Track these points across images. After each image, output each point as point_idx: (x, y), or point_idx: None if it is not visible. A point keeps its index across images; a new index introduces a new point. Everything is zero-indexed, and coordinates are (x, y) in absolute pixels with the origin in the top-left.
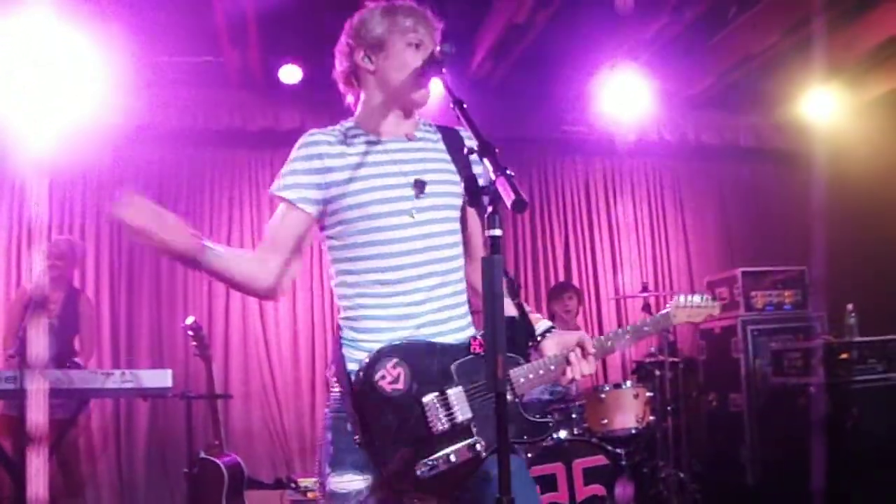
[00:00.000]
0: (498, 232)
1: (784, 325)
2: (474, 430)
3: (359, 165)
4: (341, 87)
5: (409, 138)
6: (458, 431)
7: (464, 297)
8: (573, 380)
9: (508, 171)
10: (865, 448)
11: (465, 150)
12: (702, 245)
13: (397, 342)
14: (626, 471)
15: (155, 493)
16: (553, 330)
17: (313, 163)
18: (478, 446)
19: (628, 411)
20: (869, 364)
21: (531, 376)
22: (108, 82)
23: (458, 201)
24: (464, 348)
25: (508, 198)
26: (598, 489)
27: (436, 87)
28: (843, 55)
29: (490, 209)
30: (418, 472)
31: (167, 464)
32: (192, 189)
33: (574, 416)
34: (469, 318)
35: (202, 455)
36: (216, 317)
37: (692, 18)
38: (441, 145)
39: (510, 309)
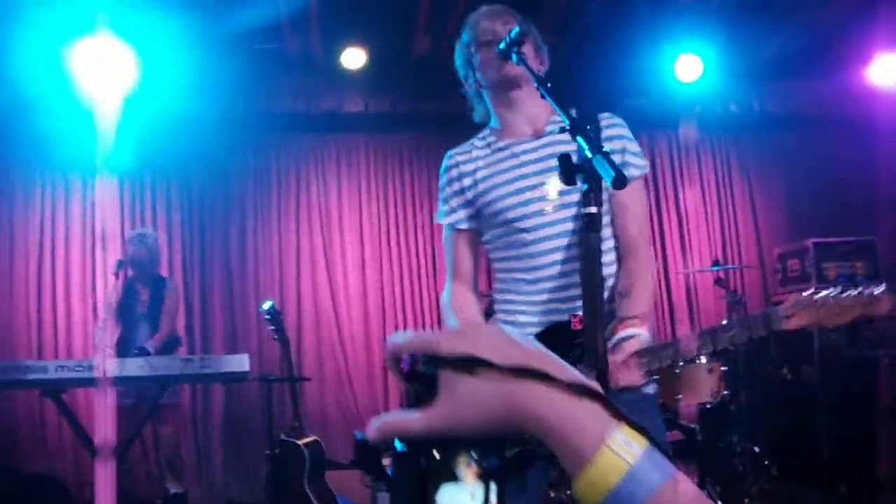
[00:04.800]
0: (594, 210)
1: None
2: None
3: (490, 175)
4: (486, 117)
5: (537, 135)
6: None
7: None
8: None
9: (605, 148)
10: None
11: (558, 129)
12: (770, 216)
13: None
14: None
15: (233, 476)
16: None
17: (454, 186)
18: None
19: (703, 386)
20: None
21: None
22: (172, 72)
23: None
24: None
25: (608, 175)
26: None
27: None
28: None
29: (585, 187)
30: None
31: (243, 447)
32: (259, 173)
33: None
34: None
35: (283, 437)
36: (288, 301)
37: None
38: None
39: None
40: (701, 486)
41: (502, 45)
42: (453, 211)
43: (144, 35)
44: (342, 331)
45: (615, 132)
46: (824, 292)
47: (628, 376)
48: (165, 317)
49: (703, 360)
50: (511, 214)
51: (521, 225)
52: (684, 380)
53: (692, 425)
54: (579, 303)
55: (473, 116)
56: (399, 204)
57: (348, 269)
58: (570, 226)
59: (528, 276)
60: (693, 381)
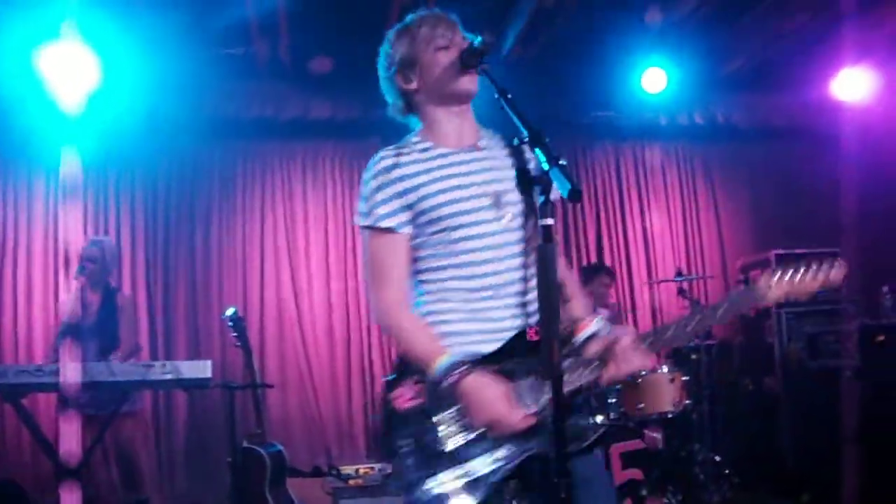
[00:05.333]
0: (550, 221)
1: (818, 308)
2: (493, 442)
3: (434, 181)
4: (400, 116)
5: (476, 148)
6: (476, 445)
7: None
8: (613, 380)
9: (561, 161)
10: None
11: (516, 142)
12: (734, 228)
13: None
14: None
15: (196, 484)
16: (600, 333)
17: (397, 186)
18: (493, 458)
19: (665, 395)
20: None
21: (565, 380)
22: (139, 76)
23: (521, 209)
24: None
25: (564, 187)
26: (635, 473)
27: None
28: (874, 33)
29: (542, 199)
30: (426, 489)
31: (206, 454)
32: (224, 179)
33: (610, 400)
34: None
35: (245, 444)
36: (252, 307)
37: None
38: (506, 152)
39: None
40: (663, 495)
41: (466, 56)
42: (396, 213)
43: (111, 40)
44: (306, 337)
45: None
46: (791, 270)
47: (641, 360)
48: (126, 330)
49: (665, 369)
50: (457, 221)
51: (468, 232)
52: (646, 389)
53: (654, 434)
54: (521, 309)
55: (391, 112)
56: None
57: (312, 275)
58: (509, 243)
59: (469, 284)
60: (655, 390)
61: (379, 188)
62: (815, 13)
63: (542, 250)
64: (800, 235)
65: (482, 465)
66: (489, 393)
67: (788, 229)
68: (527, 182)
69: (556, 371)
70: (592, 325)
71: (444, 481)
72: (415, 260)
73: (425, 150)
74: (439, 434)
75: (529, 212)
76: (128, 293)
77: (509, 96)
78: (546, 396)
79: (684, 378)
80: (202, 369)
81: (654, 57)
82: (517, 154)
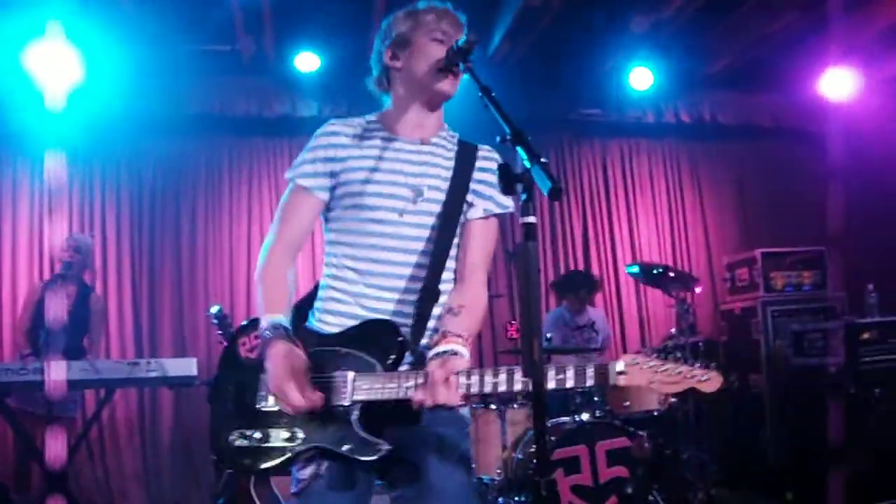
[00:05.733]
0: (532, 219)
1: (804, 306)
2: (296, 421)
3: (367, 159)
4: (377, 89)
5: (423, 142)
6: (280, 417)
7: (430, 311)
8: (422, 404)
9: (543, 159)
10: (888, 428)
11: (499, 139)
12: (720, 226)
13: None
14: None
15: (181, 482)
16: (454, 355)
17: (328, 152)
18: (287, 435)
19: (650, 393)
20: (890, 343)
21: (377, 387)
22: (125, 73)
23: (439, 210)
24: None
25: (545, 185)
26: (621, 471)
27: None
28: (860, 33)
29: (524, 197)
30: (228, 438)
31: (192, 452)
32: (210, 177)
33: (596, 398)
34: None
35: None
36: (238, 305)
37: None
38: (451, 156)
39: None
40: (648, 492)
41: (450, 56)
42: (317, 175)
43: (97, 37)
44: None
45: (491, 165)
46: (662, 361)
47: (447, 395)
48: (98, 330)
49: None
50: (370, 202)
51: (374, 216)
52: (632, 387)
53: (640, 432)
54: (402, 308)
55: (369, 84)
56: None
57: (300, 273)
58: (412, 238)
59: (359, 266)
60: (640, 388)
61: (312, 148)
62: (800, 12)
63: (522, 249)
64: (785, 234)
65: (278, 437)
66: (281, 363)
67: (774, 228)
68: (509, 180)
69: (537, 372)
70: (451, 344)
71: (244, 437)
72: (328, 231)
73: (373, 130)
74: (258, 392)
75: (452, 217)
76: (100, 293)
77: (493, 94)
78: (345, 395)
79: None
80: (188, 367)
81: (641, 55)
82: (467, 159)
